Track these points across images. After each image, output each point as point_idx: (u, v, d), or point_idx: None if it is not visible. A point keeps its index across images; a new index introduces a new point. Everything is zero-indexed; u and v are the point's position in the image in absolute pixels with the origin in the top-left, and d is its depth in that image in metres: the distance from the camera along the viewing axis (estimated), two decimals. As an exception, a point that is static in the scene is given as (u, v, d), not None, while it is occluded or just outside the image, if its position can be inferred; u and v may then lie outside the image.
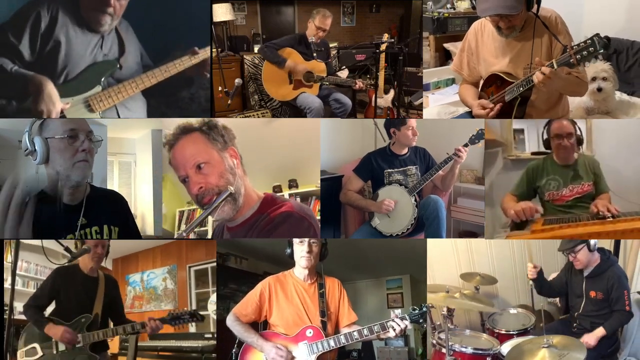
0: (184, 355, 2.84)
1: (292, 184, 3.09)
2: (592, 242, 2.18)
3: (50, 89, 2.08)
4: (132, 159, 2.90)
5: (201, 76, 2.38)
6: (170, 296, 3.21)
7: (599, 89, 2.55)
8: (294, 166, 3.00)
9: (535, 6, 2.09)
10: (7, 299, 1.95)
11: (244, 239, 1.77)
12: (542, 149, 2.39)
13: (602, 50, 1.92)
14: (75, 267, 2.17)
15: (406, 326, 1.81)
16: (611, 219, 2.07)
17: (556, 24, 2.15)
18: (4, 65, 2.09)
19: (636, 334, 2.43)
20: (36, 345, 2.08)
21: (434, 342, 2.29)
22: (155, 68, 2.27)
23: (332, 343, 1.86)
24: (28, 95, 2.09)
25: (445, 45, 3.29)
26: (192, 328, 2.99)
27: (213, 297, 2.77)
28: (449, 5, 3.33)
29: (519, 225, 2.22)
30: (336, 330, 1.96)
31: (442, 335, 2.18)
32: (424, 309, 1.83)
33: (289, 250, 1.97)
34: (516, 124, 2.67)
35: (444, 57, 3.32)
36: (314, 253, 1.94)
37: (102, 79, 2.22)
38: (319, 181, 2.76)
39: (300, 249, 1.94)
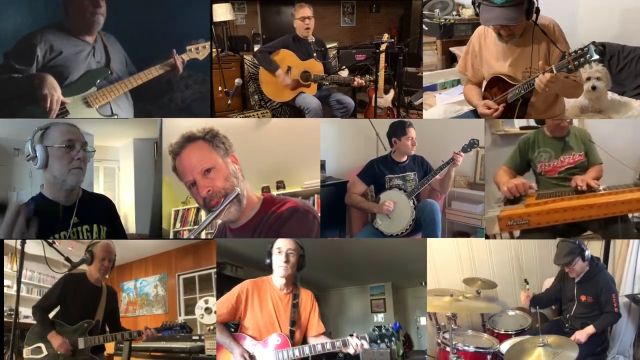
0: (174, 355, 3.07)
1: (280, 185, 3.28)
2: (586, 253, 2.41)
3: (51, 79, 2.56)
4: (115, 165, 3.20)
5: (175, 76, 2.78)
6: (161, 302, 3.47)
7: (594, 87, 2.81)
8: (293, 166, 3.18)
9: (535, 15, 2.32)
10: (12, 304, 2.16)
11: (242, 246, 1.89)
12: (532, 124, 2.56)
13: (597, 57, 2.14)
14: (83, 275, 2.42)
15: (362, 345, 2.01)
16: (602, 192, 2.23)
17: (554, 31, 2.39)
18: (12, 76, 2.60)
19: (624, 334, 2.69)
20: (41, 344, 2.30)
21: (439, 341, 2.53)
22: (140, 72, 2.73)
23: (296, 352, 2.04)
24: (34, 87, 2.55)
25: (451, 49, 3.51)
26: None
27: (200, 303, 2.98)
28: (454, 12, 3.54)
29: (513, 200, 2.33)
30: (304, 339, 2.15)
31: (447, 335, 2.42)
32: (384, 332, 1.99)
33: (268, 261, 2.16)
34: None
35: (450, 60, 3.54)
36: (291, 263, 2.12)
37: (97, 82, 2.67)
38: (305, 183, 3.06)
39: (278, 259, 2.12)
